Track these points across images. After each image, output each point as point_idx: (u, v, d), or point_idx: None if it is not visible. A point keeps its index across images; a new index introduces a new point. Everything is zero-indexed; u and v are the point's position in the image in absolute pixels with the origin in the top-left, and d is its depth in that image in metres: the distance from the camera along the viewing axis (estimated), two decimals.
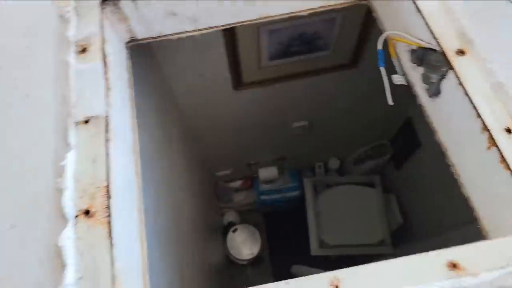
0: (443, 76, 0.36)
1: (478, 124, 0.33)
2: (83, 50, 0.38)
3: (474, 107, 0.33)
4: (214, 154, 1.37)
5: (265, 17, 0.49)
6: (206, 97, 1.01)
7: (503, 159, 0.31)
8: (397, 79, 0.44)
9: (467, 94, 0.33)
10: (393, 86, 0.45)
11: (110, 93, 0.36)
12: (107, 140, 0.33)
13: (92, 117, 0.34)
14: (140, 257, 0.35)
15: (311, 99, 1.17)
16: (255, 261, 1.58)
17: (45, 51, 0.38)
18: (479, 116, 0.32)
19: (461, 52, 0.36)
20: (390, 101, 0.46)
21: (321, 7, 0.48)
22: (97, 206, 0.31)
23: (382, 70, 0.45)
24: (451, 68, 0.35)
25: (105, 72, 0.36)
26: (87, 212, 0.31)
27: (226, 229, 1.62)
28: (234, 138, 1.33)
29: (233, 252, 1.54)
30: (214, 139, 1.29)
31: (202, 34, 0.48)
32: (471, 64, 0.35)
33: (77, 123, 0.34)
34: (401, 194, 1.56)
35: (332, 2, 0.48)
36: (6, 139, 0.34)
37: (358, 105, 1.23)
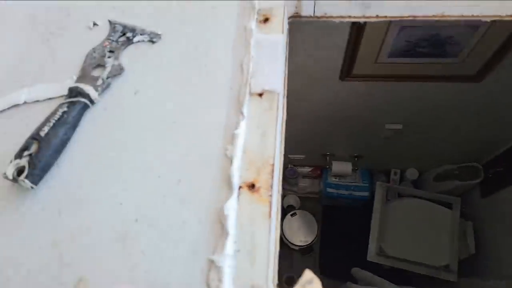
0: None
1: None
2: (266, 20, 0.37)
3: None
4: (293, 135, 1.35)
5: (440, 16, 0.44)
6: (309, 80, 0.99)
7: None
8: None
9: None
10: None
11: (285, 69, 0.35)
12: (278, 117, 0.33)
13: (267, 91, 0.34)
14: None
15: (416, 103, 1.09)
16: (305, 250, 1.59)
17: (230, 14, 0.38)
18: None
19: None
20: None
21: (494, 15, 0.42)
22: (262, 182, 0.31)
23: None
24: None
25: (285, 47, 0.35)
26: (252, 186, 0.31)
27: (285, 211, 1.64)
28: (319, 126, 1.31)
29: (286, 235, 1.55)
30: (298, 122, 1.27)
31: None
32: None
33: (251, 94, 0.34)
34: (479, 223, 1.44)
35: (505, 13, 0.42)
36: (183, 97, 0.35)
37: (464, 121, 1.13)
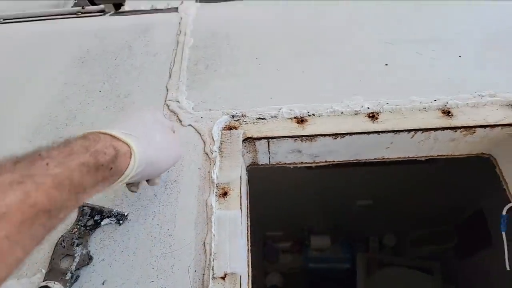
0: None
1: None
2: (224, 194, 0.41)
3: None
4: (268, 214, 1.38)
5: (382, 158, 0.50)
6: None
7: None
8: None
9: None
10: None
11: (247, 245, 0.38)
12: None
13: (229, 273, 0.37)
14: None
15: (383, 182, 1.16)
16: None
17: (189, 187, 0.42)
18: None
19: None
20: (508, 267, 0.45)
21: (439, 155, 0.49)
22: None
23: (503, 234, 0.45)
24: None
25: (248, 222, 0.39)
26: None
27: None
28: (293, 204, 1.35)
29: None
30: (272, 201, 1.31)
31: None
32: None
33: (214, 278, 0.37)
34: (463, 286, 1.47)
35: (450, 152, 0.49)
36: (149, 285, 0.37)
37: (430, 192, 1.21)
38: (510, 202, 0.45)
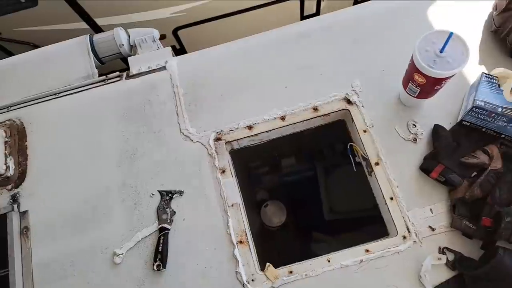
0: (370, 172, 0.93)
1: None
2: (223, 171, 0.95)
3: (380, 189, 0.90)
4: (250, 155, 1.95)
5: (291, 133, 1.03)
6: None
7: None
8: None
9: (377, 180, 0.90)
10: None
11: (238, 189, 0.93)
12: (242, 212, 0.92)
13: (234, 203, 0.92)
14: None
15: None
16: (283, 227, 2.23)
17: (207, 171, 0.95)
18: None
19: (376, 164, 0.92)
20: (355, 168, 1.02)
21: (317, 125, 1.03)
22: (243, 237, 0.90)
23: (351, 157, 1.01)
24: (372, 169, 0.92)
25: (236, 181, 0.94)
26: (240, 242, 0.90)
27: (259, 204, 2.25)
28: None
29: (266, 221, 2.18)
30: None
31: None
32: (380, 170, 0.91)
33: (229, 207, 0.92)
34: None
35: (322, 122, 1.02)
36: (191, 213, 0.92)
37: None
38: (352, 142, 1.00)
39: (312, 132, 1.84)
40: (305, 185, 2.33)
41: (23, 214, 0.96)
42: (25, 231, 0.94)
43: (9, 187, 0.99)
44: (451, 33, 0.77)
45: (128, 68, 1.10)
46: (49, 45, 1.13)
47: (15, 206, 0.96)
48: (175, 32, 1.77)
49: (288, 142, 1.88)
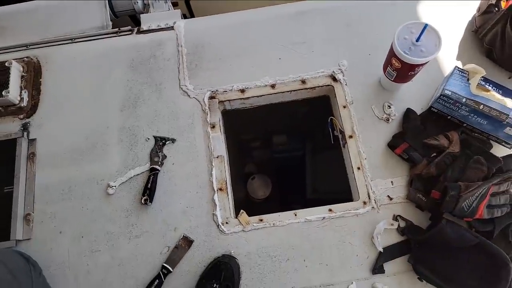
0: (344, 144, 1.01)
1: None
2: (213, 127, 1.03)
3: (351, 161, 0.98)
4: (243, 127, 2.02)
5: (281, 102, 1.11)
6: None
7: None
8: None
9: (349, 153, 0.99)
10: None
11: (225, 143, 1.02)
12: (226, 167, 1.00)
13: (219, 155, 1.00)
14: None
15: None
16: (267, 200, 2.33)
17: (199, 125, 1.03)
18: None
19: (350, 136, 1.00)
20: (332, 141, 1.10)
21: (304, 98, 1.10)
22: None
23: (330, 130, 1.09)
24: (346, 142, 1.00)
25: (224, 137, 1.02)
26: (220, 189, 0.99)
27: (247, 176, 2.34)
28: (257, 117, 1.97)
29: (251, 193, 2.28)
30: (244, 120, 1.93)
31: None
32: (352, 142, 0.99)
33: (214, 158, 1.00)
34: None
35: (308, 95, 1.10)
36: (180, 159, 1.01)
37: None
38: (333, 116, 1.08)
39: (304, 112, 1.91)
40: (293, 163, 2.42)
41: (31, 142, 1.04)
42: (31, 156, 1.03)
43: (21, 116, 1.07)
44: (426, 25, 0.84)
45: (137, 25, 1.16)
46: None
47: (25, 133, 1.04)
48: (187, 2, 1.83)
49: (281, 118, 1.96)
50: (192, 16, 1.94)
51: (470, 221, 0.89)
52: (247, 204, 2.34)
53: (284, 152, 2.34)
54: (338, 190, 2.18)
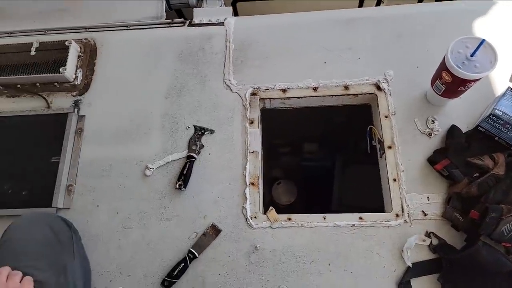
0: (382, 154, 1.01)
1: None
2: (252, 122, 1.06)
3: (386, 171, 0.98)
4: (275, 131, 2.04)
5: (320, 106, 1.12)
6: None
7: None
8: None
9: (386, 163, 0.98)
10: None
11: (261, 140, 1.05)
12: (259, 161, 1.03)
13: (255, 151, 1.03)
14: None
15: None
16: (290, 206, 2.33)
17: (238, 119, 1.06)
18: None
19: (389, 147, 1.00)
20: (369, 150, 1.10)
21: (346, 104, 1.11)
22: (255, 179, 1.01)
23: (368, 139, 1.09)
24: (384, 152, 1.00)
25: (261, 133, 1.05)
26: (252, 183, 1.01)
27: (272, 180, 2.35)
28: (290, 123, 1.99)
29: (275, 198, 2.28)
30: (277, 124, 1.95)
31: None
32: (391, 153, 0.99)
33: (250, 153, 1.03)
34: None
35: (350, 101, 1.11)
36: (217, 150, 1.04)
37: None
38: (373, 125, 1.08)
39: (340, 123, 1.91)
40: (320, 173, 2.41)
41: (81, 118, 1.12)
42: (79, 131, 1.10)
43: (74, 93, 1.15)
44: (483, 40, 0.83)
45: (186, 19, 1.23)
46: None
47: (76, 110, 1.12)
48: (234, 3, 1.90)
49: (315, 125, 1.96)
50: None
51: (509, 247, 0.86)
52: (267, 208, 2.34)
53: (313, 161, 2.34)
54: (365, 206, 2.16)
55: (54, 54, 1.15)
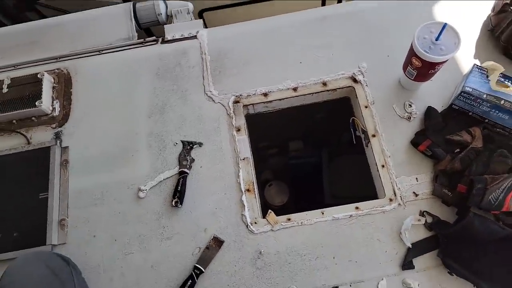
0: (367, 143, 1.05)
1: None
2: (238, 130, 1.08)
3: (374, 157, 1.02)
4: (260, 134, 2.07)
5: (301, 105, 1.16)
6: None
7: None
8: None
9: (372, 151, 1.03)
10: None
11: (249, 146, 1.07)
12: (251, 166, 1.05)
13: (245, 157, 1.05)
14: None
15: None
16: (283, 206, 2.36)
17: (224, 128, 1.08)
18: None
19: (373, 135, 1.04)
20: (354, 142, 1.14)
21: (326, 100, 1.15)
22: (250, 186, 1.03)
23: (352, 131, 1.13)
24: (369, 141, 1.04)
25: (249, 140, 1.07)
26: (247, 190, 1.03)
27: (264, 183, 2.38)
28: (274, 126, 2.02)
29: (268, 200, 2.31)
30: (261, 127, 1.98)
31: None
32: (376, 141, 1.04)
33: (241, 160, 1.05)
34: None
35: (330, 97, 1.15)
36: (208, 162, 1.06)
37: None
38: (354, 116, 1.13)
39: (321, 118, 1.96)
40: (309, 169, 2.45)
41: (64, 149, 1.11)
42: (64, 163, 1.09)
43: (54, 125, 1.14)
44: (445, 24, 0.89)
45: (157, 36, 1.24)
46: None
47: (58, 142, 1.11)
48: (200, 13, 1.92)
49: (297, 124, 2.00)
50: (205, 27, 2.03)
51: (498, 214, 0.92)
52: (264, 211, 2.36)
53: (300, 158, 2.38)
54: (357, 194, 2.21)
55: (28, 88, 1.14)
